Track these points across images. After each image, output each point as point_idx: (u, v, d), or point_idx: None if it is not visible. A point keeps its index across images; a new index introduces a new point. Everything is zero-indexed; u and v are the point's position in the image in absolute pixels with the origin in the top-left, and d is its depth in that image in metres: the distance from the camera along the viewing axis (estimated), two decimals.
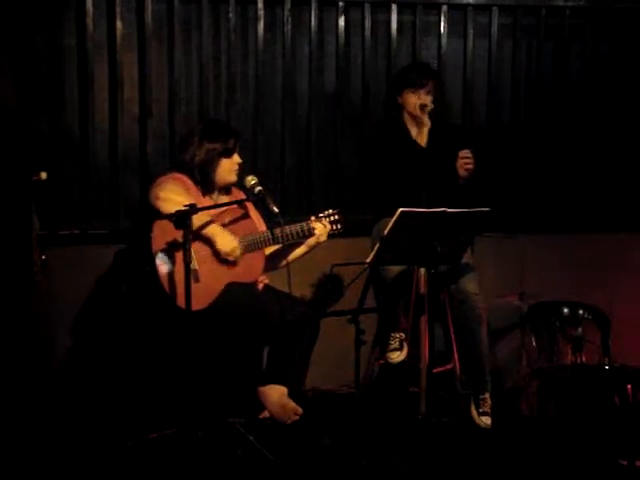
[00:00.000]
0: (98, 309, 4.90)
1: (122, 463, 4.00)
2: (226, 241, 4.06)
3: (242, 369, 4.14)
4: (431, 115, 4.71)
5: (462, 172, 4.59)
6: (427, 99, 4.69)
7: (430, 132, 4.74)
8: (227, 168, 4.25)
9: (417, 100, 4.67)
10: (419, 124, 4.69)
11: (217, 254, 4.08)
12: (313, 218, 4.31)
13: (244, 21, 5.21)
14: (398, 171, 4.62)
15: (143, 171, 5.09)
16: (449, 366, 4.71)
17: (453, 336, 4.68)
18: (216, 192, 4.31)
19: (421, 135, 4.70)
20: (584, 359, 4.74)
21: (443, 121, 4.81)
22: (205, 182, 4.22)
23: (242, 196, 4.37)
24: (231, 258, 4.07)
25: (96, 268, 4.88)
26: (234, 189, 4.41)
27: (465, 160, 4.57)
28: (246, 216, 4.27)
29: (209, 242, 4.08)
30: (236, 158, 4.27)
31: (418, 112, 4.65)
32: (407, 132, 4.73)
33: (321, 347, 4.41)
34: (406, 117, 4.76)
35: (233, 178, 4.29)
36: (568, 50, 5.63)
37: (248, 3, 5.18)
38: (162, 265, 3.96)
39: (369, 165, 5.04)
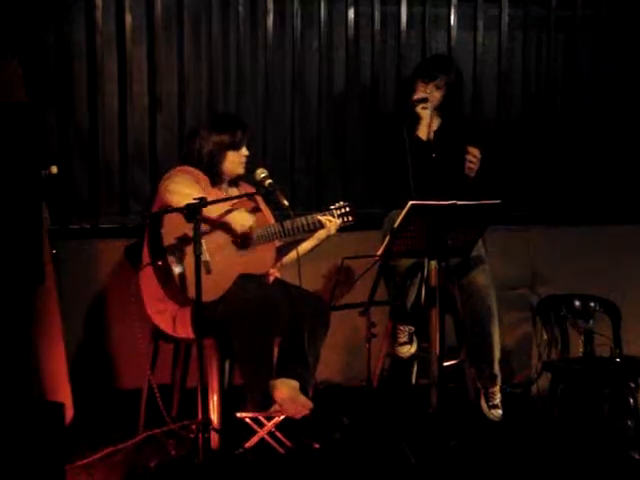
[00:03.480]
0: (108, 303, 4.91)
1: (128, 458, 4.00)
2: (240, 215, 4.07)
3: (252, 362, 4.13)
4: (445, 110, 4.71)
5: (466, 169, 4.58)
6: (435, 93, 4.66)
7: (440, 127, 4.74)
8: (234, 161, 4.25)
9: (424, 92, 4.65)
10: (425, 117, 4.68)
11: (229, 245, 4.08)
12: (324, 212, 4.32)
13: (254, 14, 5.20)
14: (399, 164, 4.59)
15: (153, 165, 5.09)
16: (460, 359, 4.70)
17: (464, 329, 4.68)
18: (225, 184, 4.32)
19: (423, 129, 4.69)
20: (595, 351, 4.72)
21: (458, 116, 4.79)
22: (212, 174, 4.23)
23: (251, 190, 4.38)
24: (246, 226, 4.07)
25: (106, 262, 4.90)
26: (243, 183, 4.42)
27: (470, 158, 4.55)
28: (256, 209, 4.27)
29: (222, 233, 4.08)
30: (244, 151, 4.27)
31: (416, 108, 4.65)
32: (414, 125, 4.70)
33: (332, 340, 4.41)
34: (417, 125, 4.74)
35: (240, 170, 4.30)
36: (579, 42, 5.60)
37: None
38: (173, 265, 3.97)
39: (380, 157, 5.03)
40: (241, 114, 5.05)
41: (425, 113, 4.67)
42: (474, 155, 4.57)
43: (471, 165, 4.58)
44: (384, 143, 4.83)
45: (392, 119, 4.80)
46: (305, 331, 4.11)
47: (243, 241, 4.14)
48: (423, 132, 4.70)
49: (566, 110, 5.63)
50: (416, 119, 4.69)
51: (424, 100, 4.65)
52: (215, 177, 4.25)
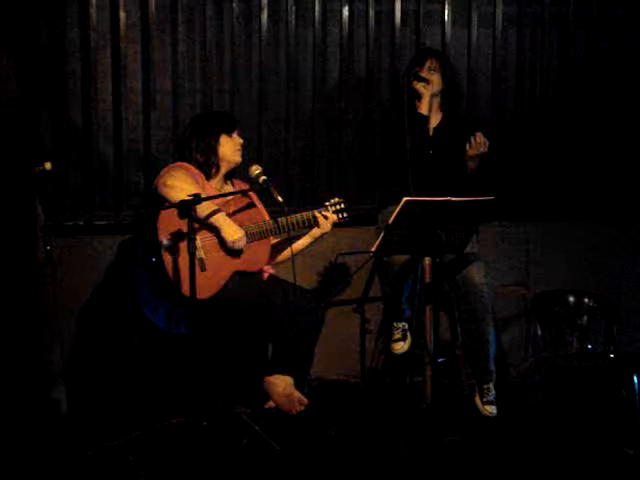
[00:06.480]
0: (103, 299, 4.90)
1: (128, 453, 4.00)
2: (232, 230, 4.06)
3: (247, 359, 4.14)
4: (445, 105, 4.73)
5: (472, 152, 4.56)
6: (432, 77, 4.68)
7: (440, 124, 4.76)
8: (229, 147, 4.27)
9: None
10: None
11: (223, 243, 4.08)
12: (318, 208, 4.32)
13: (248, 11, 5.19)
14: (397, 157, 4.58)
15: (147, 162, 5.09)
16: (454, 355, 4.71)
17: (458, 325, 4.69)
18: (221, 181, 4.32)
19: (424, 105, 4.70)
20: (589, 348, 4.73)
21: (456, 115, 4.81)
22: (209, 164, 4.24)
23: (245, 187, 4.38)
24: (237, 247, 4.07)
25: (101, 259, 4.90)
26: (237, 180, 4.42)
27: (473, 142, 4.53)
28: (251, 205, 4.27)
29: (216, 231, 4.08)
30: (237, 138, 4.29)
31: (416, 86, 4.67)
32: (414, 104, 4.72)
33: (326, 337, 4.41)
34: (417, 105, 4.75)
35: (238, 158, 4.32)
36: (573, 39, 5.61)
37: None
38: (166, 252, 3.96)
39: (380, 152, 5.03)
40: (235, 111, 5.05)
41: (425, 90, 4.68)
42: (479, 138, 4.53)
43: (472, 151, 4.54)
44: (382, 137, 4.84)
45: (392, 103, 4.81)
46: (299, 328, 4.12)
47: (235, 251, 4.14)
48: (424, 108, 4.70)
49: (560, 106, 5.63)
50: (416, 100, 4.72)
51: (425, 80, 4.66)
52: (211, 167, 4.25)
